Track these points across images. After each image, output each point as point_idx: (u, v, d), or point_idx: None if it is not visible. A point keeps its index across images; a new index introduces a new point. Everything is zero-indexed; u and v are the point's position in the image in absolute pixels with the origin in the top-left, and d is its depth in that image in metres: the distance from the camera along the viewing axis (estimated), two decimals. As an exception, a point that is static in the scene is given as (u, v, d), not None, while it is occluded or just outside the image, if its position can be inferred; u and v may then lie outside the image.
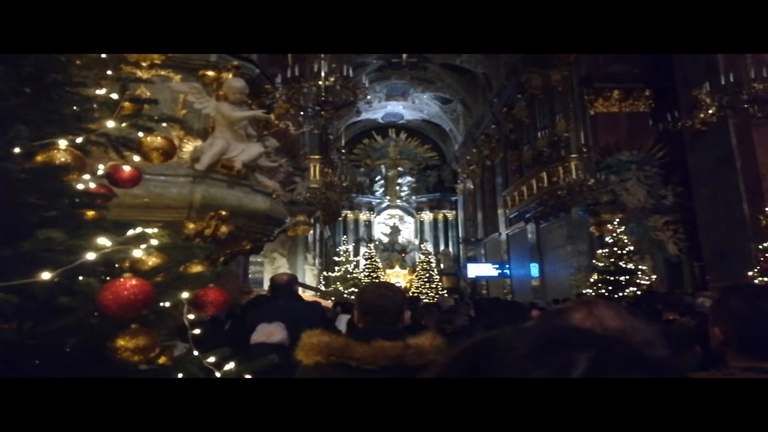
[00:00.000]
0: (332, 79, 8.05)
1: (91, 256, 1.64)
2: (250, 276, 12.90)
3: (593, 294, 12.31)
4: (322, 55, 8.25)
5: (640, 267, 12.96)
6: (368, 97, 9.08)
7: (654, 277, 13.32)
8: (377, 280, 19.44)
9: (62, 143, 1.82)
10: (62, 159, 1.79)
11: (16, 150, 1.66)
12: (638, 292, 11.88)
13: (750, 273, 9.42)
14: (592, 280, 13.22)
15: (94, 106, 2.09)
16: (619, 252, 12.90)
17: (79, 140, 1.91)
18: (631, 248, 13.11)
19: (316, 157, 16.78)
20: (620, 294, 12.05)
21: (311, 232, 16.91)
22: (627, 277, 12.56)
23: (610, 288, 12.46)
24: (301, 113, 9.45)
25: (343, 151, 21.49)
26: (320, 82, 8.01)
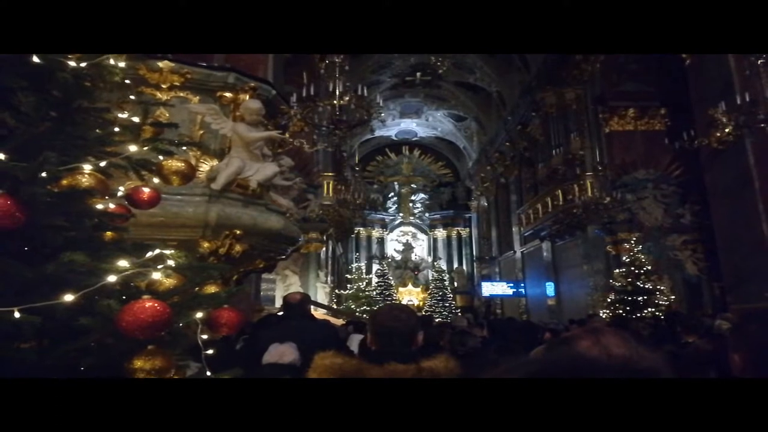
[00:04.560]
0: (347, 98, 8.12)
1: (112, 278, 1.69)
2: (261, 293, 12.92)
3: (611, 314, 12.16)
4: (337, 74, 8.34)
5: (658, 287, 12.76)
6: (382, 115, 9.11)
7: (673, 297, 13.11)
8: (390, 302, 19.37)
9: (87, 167, 1.88)
10: (87, 183, 1.85)
11: (43, 174, 1.72)
12: (657, 313, 11.71)
13: (770, 294, 9.28)
14: (609, 300, 13.02)
15: (116, 129, 2.16)
16: (637, 272, 12.71)
17: (102, 164, 1.97)
18: (649, 268, 12.92)
19: (330, 174, 16.83)
20: (638, 315, 11.87)
21: (324, 249, 16.88)
22: (645, 297, 12.36)
23: (627, 308, 12.25)
24: (316, 131, 9.54)
25: (356, 168, 21.54)
26: (335, 101, 8.09)
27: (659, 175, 14.94)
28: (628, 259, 13.13)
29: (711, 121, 9.41)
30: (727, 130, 8.84)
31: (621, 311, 12.24)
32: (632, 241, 13.49)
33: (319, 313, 10.66)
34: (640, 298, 12.35)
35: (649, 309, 12.10)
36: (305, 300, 4.10)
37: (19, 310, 1.47)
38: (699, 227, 14.15)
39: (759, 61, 8.36)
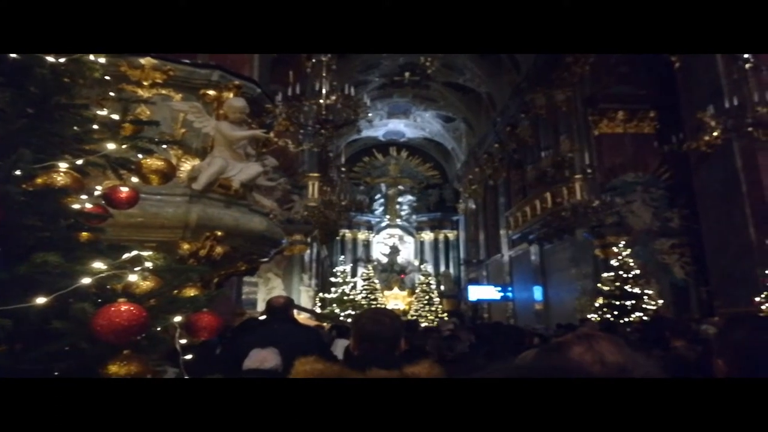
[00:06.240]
0: (333, 97, 8.08)
1: (87, 280, 1.63)
2: (243, 297, 12.82)
3: (599, 319, 12.17)
4: (324, 74, 8.30)
5: (646, 291, 12.79)
6: (369, 115, 9.11)
7: (661, 302, 13.14)
8: (374, 305, 19.27)
9: (63, 165, 1.83)
10: (62, 182, 1.80)
11: (17, 172, 1.67)
12: (644, 318, 11.73)
13: (757, 299, 9.32)
14: (597, 304, 13.04)
15: (95, 126, 2.10)
16: (625, 276, 12.75)
17: (79, 162, 1.92)
18: (637, 272, 12.96)
19: (315, 174, 16.72)
20: (626, 319, 11.90)
21: (308, 251, 16.72)
22: (633, 301, 12.38)
23: (615, 313, 12.27)
24: (301, 131, 9.50)
25: (342, 169, 21.43)
26: (321, 101, 8.04)
27: (648, 178, 14.99)
28: (616, 263, 13.15)
29: (700, 125, 9.49)
30: (715, 134, 8.91)
31: (609, 316, 12.26)
32: (621, 245, 13.52)
33: (302, 317, 10.58)
34: (627, 303, 12.37)
35: (637, 313, 12.12)
36: (289, 304, 4.05)
37: (-11, 313, 1.43)
38: (687, 231, 14.19)
39: (747, 65, 8.43)
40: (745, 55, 8.36)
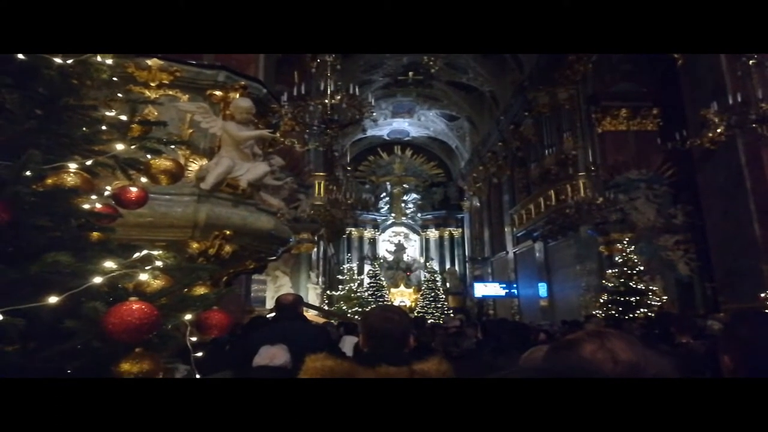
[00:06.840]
0: (338, 97, 8.11)
1: (98, 280, 1.65)
2: (252, 295, 12.86)
3: (603, 315, 12.17)
4: (329, 73, 8.32)
5: (650, 288, 12.80)
6: (374, 114, 9.11)
7: (665, 298, 13.13)
8: (382, 303, 19.32)
9: (72, 166, 1.84)
10: (72, 182, 1.81)
11: (27, 173, 1.68)
12: (649, 314, 11.72)
13: (762, 294, 9.30)
14: (602, 300, 13.05)
15: (103, 127, 2.12)
16: (629, 272, 12.74)
17: (88, 163, 1.94)
18: (642, 268, 12.95)
19: (321, 174, 16.78)
20: (631, 315, 11.89)
21: (315, 249, 16.81)
22: (638, 297, 12.38)
23: (620, 309, 12.26)
24: (307, 131, 9.51)
25: (348, 168, 21.45)
26: (326, 101, 8.07)
27: (651, 175, 14.96)
28: (620, 260, 13.14)
29: (703, 122, 9.45)
30: (719, 131, 8.87)
31: (613, 312, 12.25)
32: (625, 242, 13.51)
33: (310, 315, 10.62)
34: (632, 299, 12.37)
35: (642, 309, 12.11)
36: (298, 301, 4.06)
37: (2, 312, 1.44)
38: (691, 227, 14.17)
39: (750, 62, 8.40)
40: (749, 52, 8.33)
